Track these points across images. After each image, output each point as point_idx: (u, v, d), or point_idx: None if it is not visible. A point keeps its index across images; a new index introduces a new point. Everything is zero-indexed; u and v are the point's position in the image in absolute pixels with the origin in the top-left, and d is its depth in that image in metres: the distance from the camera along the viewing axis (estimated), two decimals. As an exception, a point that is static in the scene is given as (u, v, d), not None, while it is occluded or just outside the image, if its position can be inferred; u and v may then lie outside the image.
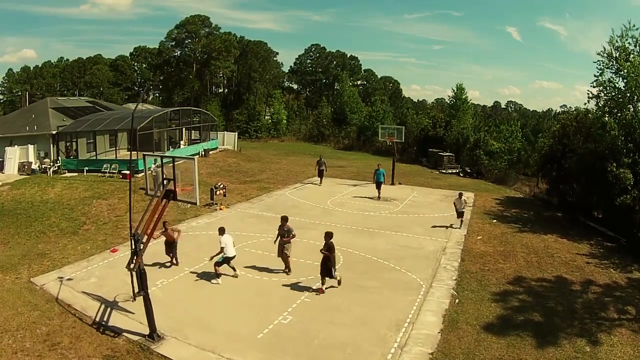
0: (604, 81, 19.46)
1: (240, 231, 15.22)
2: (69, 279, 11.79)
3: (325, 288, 11.29)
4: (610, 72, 19.32)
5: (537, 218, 20.34)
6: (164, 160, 9.59)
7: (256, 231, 15.92)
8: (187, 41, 70.50)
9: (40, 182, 22.23)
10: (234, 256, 11.71)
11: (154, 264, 12.45)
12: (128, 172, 22.00)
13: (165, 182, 9.15)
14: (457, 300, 11.20)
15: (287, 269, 12.28)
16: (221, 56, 68.03)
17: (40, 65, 75.60)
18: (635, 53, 18.66)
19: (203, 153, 31.35)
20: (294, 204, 20.95)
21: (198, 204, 10.15)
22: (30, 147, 25.75)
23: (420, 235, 16.53)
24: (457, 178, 31.47)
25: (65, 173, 24.79)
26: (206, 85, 73.49)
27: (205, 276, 12.06)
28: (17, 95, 73.83)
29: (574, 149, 21.25)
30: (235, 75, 74.05)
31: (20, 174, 24.53)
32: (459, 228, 17.27)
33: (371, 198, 22.26)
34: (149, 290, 9.01)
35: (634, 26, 18.50)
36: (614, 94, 19.49)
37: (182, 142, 32.18)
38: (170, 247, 12.56)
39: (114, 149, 27.66)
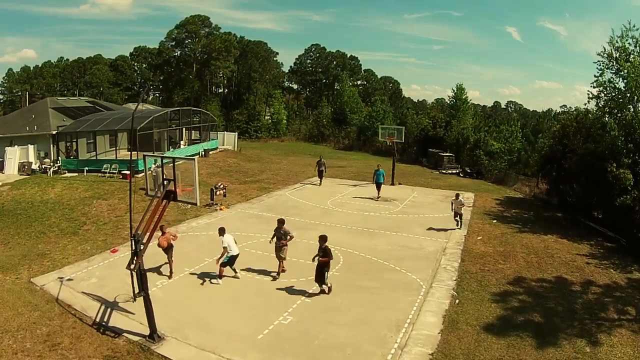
0: (604, 81, 19.48)
1: (240, 231, 15.21)
2: (69, 280, 11.79)
3: (317, 294, 11.11)
4: (611, 72, 19.36)
5: (537, 218, 20.35)
6: (164, 161, 9.60)
7: (256, 231, 15.92)
8: (187, 41, 70.52)
9: (40, 182, 22.24)
10: (238, 254, 11.73)
11: (154, 265, 12.43)
12: (128, 172, 22.01)
13: (165, 182, 9.15)
14: (457, 301, 11.20)
15: (278, 272, 12.14)
16: (221, 56, 68.04)
17: (40, 65, 75.74)
18: (635, 53, 18.66)
19: (203, 153, 31.37)
20: (294, 204, 20.96)
21: (198, 204, 10.16)
22: (30, 147, 25.77)
23: (420, 235, 16.53)
24: (457, 178, 31.47)
25: (65, 173, 24.80)
26: (206, 85, 73.50)
27: (206, 276, 12.06)
28: (17, 95, 73.86)
29: (574, 149, 21.25)
30: (235, 75, 74.05)
31: (21, 174, 24.54)
32: (459, 228, 17.26)
33: (371, 198, 22.27)
34: (149, 291, 9.02)
35: (634, 26, 18.53)
36: (614, 94, 19.51)
37: (182, 142, 32.19)
38: (167, 252, 12.00)
39: (114, 149, 27.68)
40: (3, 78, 74.69)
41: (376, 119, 48.86)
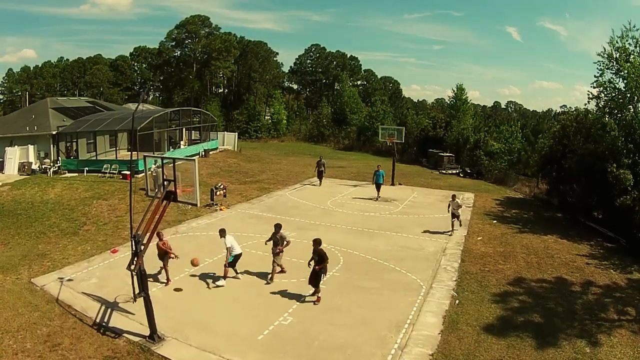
0: (604, 82, 19.50)
1: (240, 232, 15.22)
2: (69, 280, 11.79)
3: (306, 300, 10.91)
4: (611, 72, 19.37)
5: (537, 219, 20.35)
6: (164, 161, 9.59)
7: (256, 232, 15.92)
8: (187, 41, 70.50)
9: (40, 183, 22.23)
10: (241, 254, 11.75)
11: (155, 265, 12.41)
12: (128, 172, 22.02)
13: (165, 183, 9.15)
14: (457, 301, 11.20)
15: (271, 277, 11.96)
16: (221, 56, 68.04)
17: (40, 65, 75.64)
18: (635, 54, 18.67)
19: (203, 153, 31.36)
20: (294, 205, 20.96)
21: (198, 204, 10.16)
22: (31, 148, 25.77)
23: (420, 236, 16.53)
24: (457, 178, 31.49)
25: (65, 173, 24.79)
26: (206, 86, 73.50)
27: (206, 277, 12.07)
28: (17, 95, 73.81)
29: (574, 150, 21.26)
30: (235, 75, 74.05)
31: (21, 174, 24.53)
32: (457, 230, 16.94)
33: (371, 199, 22.27)
34: (149, 291, 9.02)
35: (634, 27, 18.55)
36: (614, 94, 19.53)
37: (182, 143, 32.19)
38: (162, 259, 11.68)
39: (114, 149, 27.67)
40: (3, 78, 74.83)
41: (376, 119, 48.89)
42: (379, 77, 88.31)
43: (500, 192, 26.47)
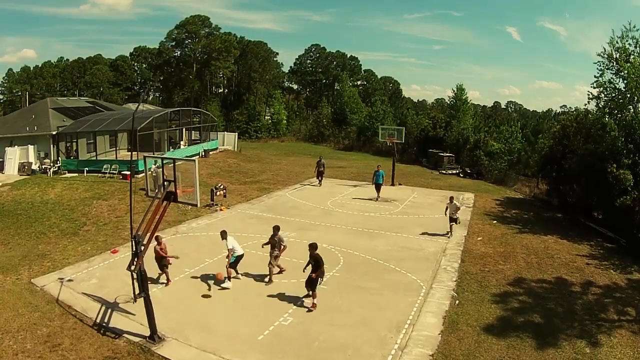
0: (604, 82, 19.52)
1: (240, 232, 15.22)
2: (69, 280, 11.79)
3: (305, 303, 10.79)
4: (611, 73, 19.40)
5: (537, 219, 20.36)
6: (164, 162, 9.59)
7: (256, 232, 15.91)
8: (187, 41, 70.45)
9: (40, 183, 22.23)
10: (243, 254, 11.77)
11: (155, 266, 12.40)
12: (128, 172, 22.01)
13: (165, 183, 9.15)
14: (457, 302, 11.21)
15: (269, 279, 11.98)
16: (221, 56, 68.02)
17: (40, 65, 75.60)
18: (635, 54, 18.69)
19: (203, 153, 31.35)
20: (294, 205, 20.96)
21: (198, 205, 10.15)
22: (31, 148, 25.75)
23: (420, 236, 16.53)
24: (457, 179, 31.49)
25: (65, 173, 24.79)
26: (206, 86, 73.49)
27: (206, 277, 12.07)
28: (17, 95, 73.78)
29: (574, 150, 21.27)
30: (235, 75, 74.03)
31: (21, 175, 24.52)
32: (448, 237, 16.30)
33: (371, 199, 22.27)
34: (149, 292, 9.02)
35: (634, 27, 18.58)
36: (614, 94, 19.54)
37: (182, 143, 32.18)
38: (160, 262, 11.53)
39: (114, 149, 27.66)
40: (3, 78, 74.80)
41: (376, 119, 48.86)
42: (379, 77, 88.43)
43: (500, 193, 26.48)
